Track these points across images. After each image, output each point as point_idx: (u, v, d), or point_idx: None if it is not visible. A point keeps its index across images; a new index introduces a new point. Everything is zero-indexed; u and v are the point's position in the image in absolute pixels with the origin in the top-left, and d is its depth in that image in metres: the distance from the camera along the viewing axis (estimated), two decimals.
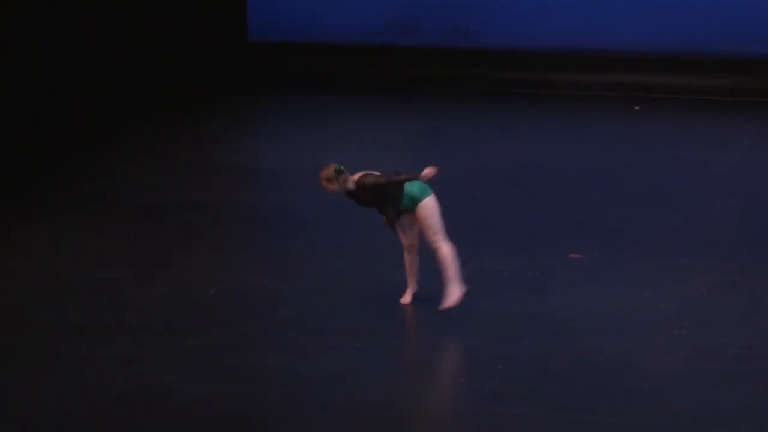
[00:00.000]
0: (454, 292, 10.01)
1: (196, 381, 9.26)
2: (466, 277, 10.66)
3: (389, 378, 9.34)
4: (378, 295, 10.87)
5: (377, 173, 9.98)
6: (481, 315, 10.39)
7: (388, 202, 9.90)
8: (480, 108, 18.39)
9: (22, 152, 15.66)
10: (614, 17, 19.45)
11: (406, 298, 10.25)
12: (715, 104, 18.52)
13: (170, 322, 10.33)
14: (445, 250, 9.93)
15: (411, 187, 9.92)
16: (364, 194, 9.89)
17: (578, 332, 10.10)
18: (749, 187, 14.31)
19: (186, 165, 15.31)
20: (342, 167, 9.90)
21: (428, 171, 9.83)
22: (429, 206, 9.92)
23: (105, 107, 18.20)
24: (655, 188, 14.35)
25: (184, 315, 10.49)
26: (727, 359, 9.57)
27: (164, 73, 19.68)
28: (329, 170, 9.84)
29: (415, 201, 9.97)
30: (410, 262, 10.18)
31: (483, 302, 10.55)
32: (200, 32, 20.14)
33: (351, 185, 9.88)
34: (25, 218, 13.04)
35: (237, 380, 9.29)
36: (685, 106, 18.44)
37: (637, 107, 18.45)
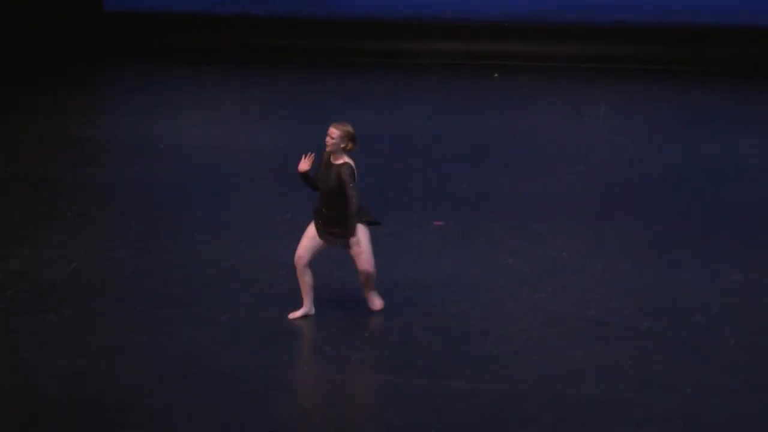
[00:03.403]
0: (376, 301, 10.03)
1: (54, 357, 9.14)
2: None
3: (250, 349, 9.34)
4: (236, 268, 10.85)
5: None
6: (341, 283, 10.44)
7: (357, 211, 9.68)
8: (336, 78, 18.40)
9: None
10: None
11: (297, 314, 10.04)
12: (572, 71, 18.80)
13: (29, 299, 10.17)
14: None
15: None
16: (335, 175, 9.62)
17: (437, 298, 10.22)
18: (601, 155, 14.57)
19: (38, 138, 15.03)
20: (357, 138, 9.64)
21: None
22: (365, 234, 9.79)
23: None
24: (512, 155, 14.54)
25: (42, 291, 10.33)
26: (583, 321, 9.78)
27: (17, 44, 19.30)
28: (349, 127, 9.56)
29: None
30: (306, 278, 9.91)
31: (343, 271, 10.56)
32: (56, 3, 19.79)
33: (344, 157, 9.68)
34: None
35: (97, 356, 9.20)
36: (542, 74, 18.68)
37: (495, 74, 18.64)
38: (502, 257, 11.15)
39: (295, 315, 9.84)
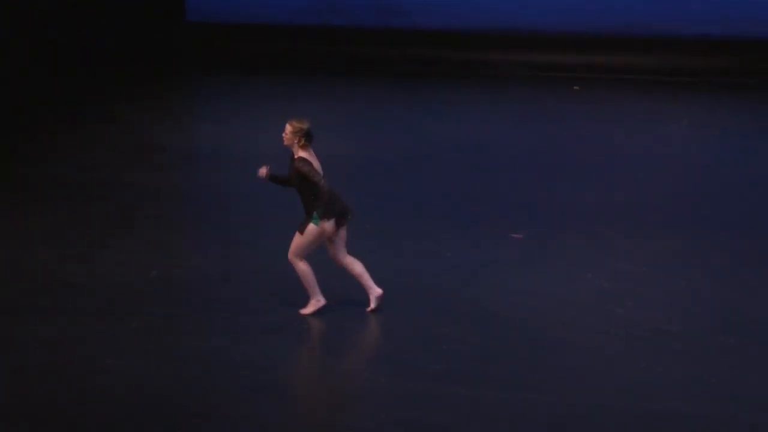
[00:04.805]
0: (315, 303, 10.09)
1: (133, 362, 9.21)
2: (407, 256, 10.73)
3: (327, 358, 9.34)
4: (319, 274, 10.87)
5: (319, 172, 9.88)
6: (422, 295, 10.43)
7: (317, 202, 9.83)
8: (415, 88, 18.41)
9: None
10: None
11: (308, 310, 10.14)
12: (655, 84, 18.67)
13: (112, 303, 10.27)
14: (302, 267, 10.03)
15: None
16: (295, 171, 9.78)
17: (517, 311, 10.15)
18: (684, 167, 14.45)
19: (121, 146, 15.21)
20: (311, 134, 9.89)
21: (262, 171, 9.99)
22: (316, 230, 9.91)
23: (41, 89, 18.00)
24: (591, 167, 14.45)
25: (125, 296, 10.43)
26: (664, 336, 9.68)
27: (101, 54, 19.53)
28: (304, 123, 9.86)
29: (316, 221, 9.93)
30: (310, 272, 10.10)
31: (424, 282, 10.58)
32: (139, 14, 20.01)
33: (300, 152, 9.85)
34: None
35: (174, 361, 9.25)
36: (626, 86, 18.56)
37: (576, 87, 18.56)
38: (581, 270, 11.07)
39: (306, 311, 9.96)
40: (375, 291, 10.03)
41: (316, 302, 10.01)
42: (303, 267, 9.92)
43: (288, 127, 9.85)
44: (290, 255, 9.92)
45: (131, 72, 19.19)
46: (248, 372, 9.04)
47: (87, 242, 11.74)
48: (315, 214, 9.72)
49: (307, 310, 10.00)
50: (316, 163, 9.78)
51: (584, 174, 14.12)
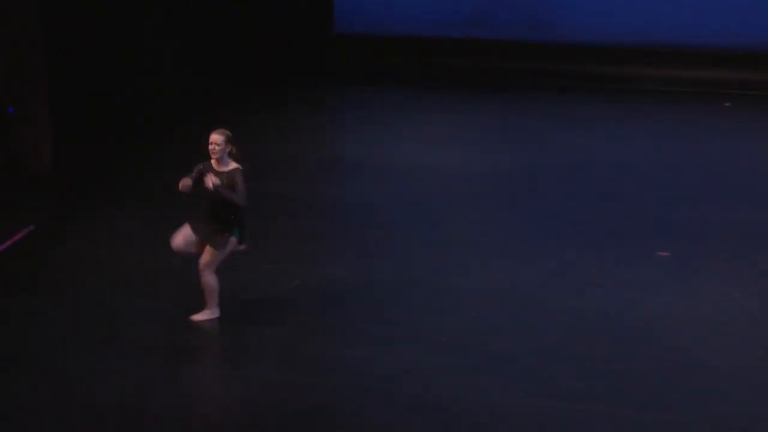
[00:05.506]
0: (209, 313, 10.09)
1: (276, 370, 9.27)
2: (545, 272, 10.59)
3: (468, 372, 9.25)
4: (455, 290, 10.80)
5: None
6: (561, 313, 10.30)
7: (233, 218, 9.82)
8: (556, 102, 18.23)
9: (102, 143, 15.78)
10: (700, 12, 19.20)
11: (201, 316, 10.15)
12: None
13: (252, 311, 10.34)
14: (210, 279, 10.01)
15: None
16: (226, 182, 9.68)
17: (660, 330, 9.95)
18: None
19: (267, 156, 15.32)
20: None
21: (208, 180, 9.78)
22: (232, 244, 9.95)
23: (187, 100, 18.28)
24: (739, 185, 14.11)
25: (265, 304, 10.50)
26: None
27: (251, 66, 19.76)
28: (227, 132, 9.80)
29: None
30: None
31: (565, 299, 10.46)
32: (288, 26, 20.21)
33: (231, 163, 9.79)
34: (108, 207, 13.13)
35: (320, 371, 9.28)
36: None
37: (727, 104, 18.18)
38: (728, 290, 10.80)
39: (198, 317, 9.98)
40: (215, 312, 10.04)
41: (211, 313, 10.03)
42: (213, 279, 9.95)
43: (218, 137, 9.74)
44: (204, 267, 9.90)
45: (277, 83, 19.38)
46: (393, 384, 9.02)
47: None
48: (236, 229, 9.77)
49: (200, 317, 10.01)
50: None
51: (731, 192, 13.80)
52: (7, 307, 10.39)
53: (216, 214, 9.78)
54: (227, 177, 9.74)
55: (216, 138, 9.75)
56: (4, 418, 8.53)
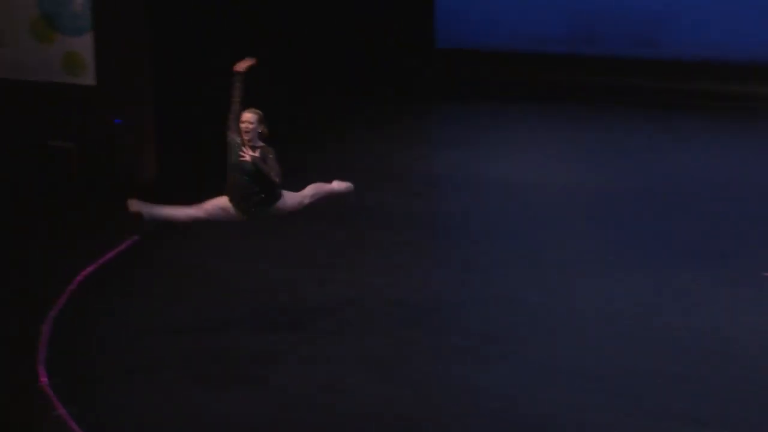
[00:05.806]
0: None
1: (371, 384, 9.29)
2: (649, 291, 10.60)
3: (555, 389, 9.21)
4: (557, 308, 10.77)
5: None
6: (664, 332, 10.19)
7: (271, 190, 9.83)
8: (660, 119, 18.02)
9: (208, 153, 15.92)
10: None
11: None
12: None
13: (350, 323, 10.40)
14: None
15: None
16: (264, 160, 9.71)
17: (746, 351, 9.82)
18: None
19: (367, 170, 15.39)
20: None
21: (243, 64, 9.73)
22: None
23: (285, 112, 18.39)
24: None
25: (362, 316, 10.55)
26: None
27: (352, 81, 19.85)
28: (260, 112, 9.75)
29: None
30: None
31: (669, 320, 10.35)
32: (390, 40, 20.29)
33: (258, 143, 9.75)
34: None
35: (414, 386, 9.26)
36: None
37: None
38: None
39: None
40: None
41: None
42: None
43: (252, 116, 9.67)
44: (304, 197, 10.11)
45: (379, 98, 19.44)
46: (489, 401, 9.00)
47: (324, 264, 11.93)
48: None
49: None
50: None
51: None
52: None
53: (250, 190, 9.77)
54: (260, 154, 9.74)
55: (249, 116, 9.72)
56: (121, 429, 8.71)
